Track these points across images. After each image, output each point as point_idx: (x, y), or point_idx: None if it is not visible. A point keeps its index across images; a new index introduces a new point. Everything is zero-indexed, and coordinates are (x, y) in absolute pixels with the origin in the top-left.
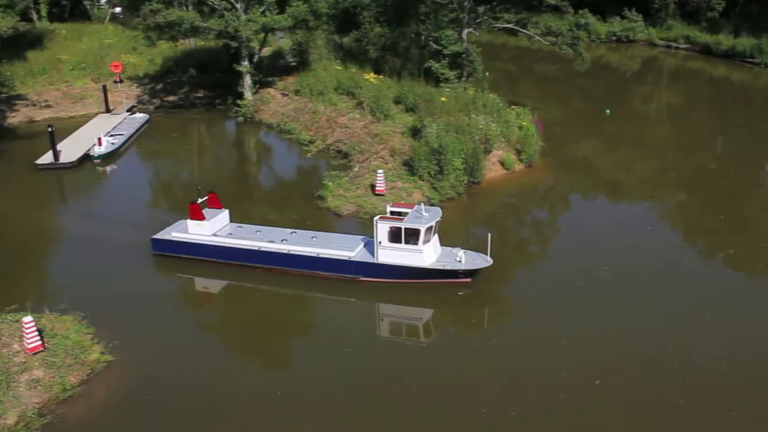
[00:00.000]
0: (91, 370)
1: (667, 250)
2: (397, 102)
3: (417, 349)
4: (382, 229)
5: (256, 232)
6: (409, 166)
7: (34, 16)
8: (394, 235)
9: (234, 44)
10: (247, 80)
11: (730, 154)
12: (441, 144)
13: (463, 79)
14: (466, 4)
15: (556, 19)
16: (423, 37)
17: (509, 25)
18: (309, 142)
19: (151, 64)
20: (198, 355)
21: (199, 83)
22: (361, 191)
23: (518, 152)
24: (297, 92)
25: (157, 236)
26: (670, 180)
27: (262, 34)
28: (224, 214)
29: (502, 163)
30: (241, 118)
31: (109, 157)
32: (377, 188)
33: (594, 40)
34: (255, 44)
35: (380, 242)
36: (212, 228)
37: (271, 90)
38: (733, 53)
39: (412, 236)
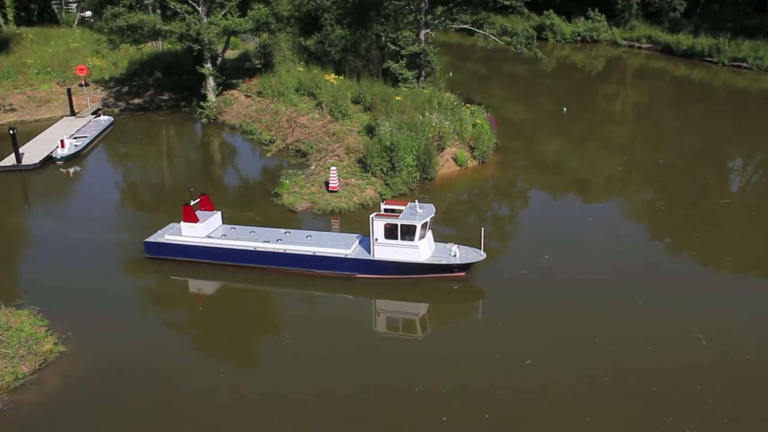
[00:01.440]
0: (43, 360)
1: (612, 242)
2: (356, 102)
3: (414, 343)
4: (377, 226)
5: (250, 232)
6: (363, 164)
7: (0, 21)
8: (390, 232)
9: (196, 47)
10: (210, 82)
11: (680, 149)
12: (393, 141)
13: (422, 78)
14: (423, 6)
15: (523, 20)
16: (382, 38)
17: (465, 26)
18: (269, 142)
19: (116, 67)
20: (157, 348)
21: (165, 86)
22: (316, 188)
23: (472, 149)
24: (260, 93)
25: (150, 239)
26: (620, 174)
27: (225, 37)
28: (217, 216)
29: (455, 160)
30: (204, 120)
31: (72, 159)
32: (330, 185)
33: (559, 41)
34: (218, 47)
35: (376, 239)
36: (206, 230)
37: (234, 92)
38: (692, 53)
39: (408, 232)
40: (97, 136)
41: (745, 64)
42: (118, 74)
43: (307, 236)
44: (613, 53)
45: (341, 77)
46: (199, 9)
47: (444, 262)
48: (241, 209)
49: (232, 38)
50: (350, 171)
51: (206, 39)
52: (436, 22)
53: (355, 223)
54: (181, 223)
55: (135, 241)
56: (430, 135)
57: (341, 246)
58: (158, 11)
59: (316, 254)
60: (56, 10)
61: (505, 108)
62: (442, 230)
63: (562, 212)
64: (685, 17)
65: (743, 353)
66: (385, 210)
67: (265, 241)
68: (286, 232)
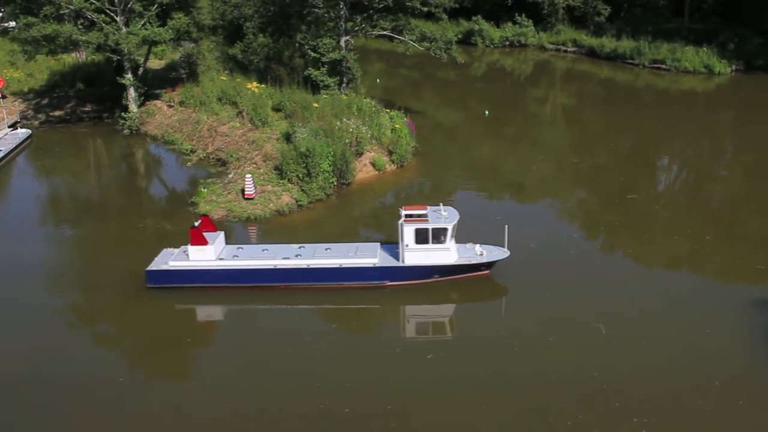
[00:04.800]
0: None
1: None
2: (277, 109)
3: (451, 346)
4: (408, 232)
5: (263, 250)
6: (280, 170)
7: None
8: (421, 237)
9: (116, 57)
10: (132, 93)
11: (601, 149)
12: (308, 148)
13: (343, 85)
14: (342, 13)
15: (453, 26)
16: (305, 46)
17: (385, 32)
18: (190, 151)
19: (31, 78)
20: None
21: (87, 97)
22: (233, 196)
23: (390, 153)
24: (182, 103)
25: (153, 268)
26: (535, 173)
27: (146, 47)
28: (221, 237)
29: (373, 164)
30: (126, 131)
31: None
32: (246, 192)
33: (488, 45)
34: (139, 57)
35: (407, 245)
36: (216, 252)
37: (157, 102)
38: (615, 55)
39: (439, 235)
40: (13, 150)
41: (663, 66)
42: (37, 86)
43: (326, 249)
44: (540, 57)
45: (264, 85)
46: (118, 19)
47: (474, 261)
48: (158, 220)
49: (160, 47)
50: (267, 178)
51: (125, 49)
52: (356, 29)
53: (274, 229)
54: (189, 247)
55: (47, 256)
56: (347, 140)
57: (367, 255)
58: (80, 21)
59: (343, 266)
60: None
61: (438, 113)
62: (364, 232)
63: (476, 210)
64: (609, 21)
65: (640, 341)
66: (406, 216)
67: (284, 258)
68: (300, 247)
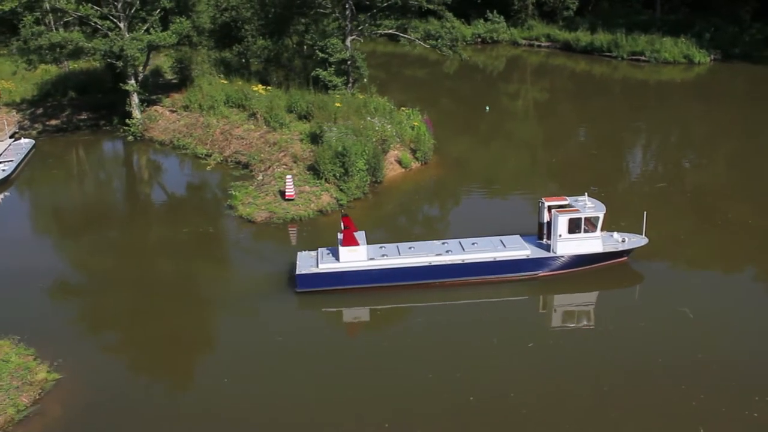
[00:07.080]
0: (41, 389)
1: None
2: (289, 111)
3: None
4: (561, 222)
5: (409, 248)
6: (314, 170)
7: None
8: (573, 226)
9: (119, 63)
10: (135, 99)
11: (603, 139)
12: (344, 147)
13: (350, 85)
14: (348, 13)
15: (423, 24)
16: (306, 47)
17: (390, 31)
18: (206, 155)
19: (31, 87)
20: (147, 366)
21: (81, 105)
22: (271, 198)
23: (413, 151)
24: (186, 108)
25: (303, 272)
26: (540, 169)
27: (146, 52)
28: (364, 236)
29: (399, 162)
30: (130, 138)
31: (1, 185)
32: (287, 193)
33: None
34: (139, 62)
35: (560, 235)
36: (366, 252)
37: (158, 107)
38: (591, 48)
39: (590, 224)
40: (22, 160)
41: (643, 58)
42: (29, 96)
43: (472, 243)
44: (513, 53)
45: (268, 88)
46: (121, 25)
47: (620, 248)
48: (199, 224)
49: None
50: (302, 178)
51: (129, 54)
52: (360, 28)
53: (319, 229)
54: (340, 248)
55: (85, 263)
56: (374, 139)
57: (517, 247)
58: (76, 28)
59: (498, 259)
60: None
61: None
62: (422, 229)
63: (510, 203)
64: (580, 15)
65: (730, 324)
66: (549, 207)
67: (437, 255)
68: (443, 243)
